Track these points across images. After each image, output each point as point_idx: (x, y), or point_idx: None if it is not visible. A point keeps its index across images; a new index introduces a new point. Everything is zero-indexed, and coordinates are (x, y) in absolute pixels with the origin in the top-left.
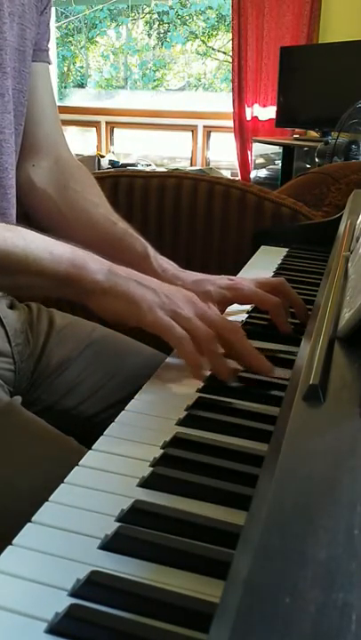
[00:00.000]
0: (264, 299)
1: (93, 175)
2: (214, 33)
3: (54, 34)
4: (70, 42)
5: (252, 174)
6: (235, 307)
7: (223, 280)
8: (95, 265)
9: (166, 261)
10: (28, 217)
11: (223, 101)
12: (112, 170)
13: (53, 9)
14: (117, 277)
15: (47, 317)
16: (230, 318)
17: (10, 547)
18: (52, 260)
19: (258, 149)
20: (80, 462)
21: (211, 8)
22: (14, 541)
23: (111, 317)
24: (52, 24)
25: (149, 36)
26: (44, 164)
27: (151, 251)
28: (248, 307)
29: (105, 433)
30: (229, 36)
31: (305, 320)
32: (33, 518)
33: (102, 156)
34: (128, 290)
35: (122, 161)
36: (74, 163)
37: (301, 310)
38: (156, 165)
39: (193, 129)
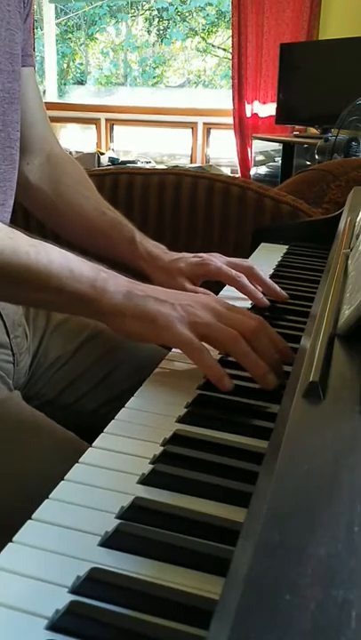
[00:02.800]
0: (226, 273)
1: (93, 172)
2: (214, 30)
3: (54, 30)
4: (70, 39)
5: (252, 171)
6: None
7: (195, 258)
8: (114, 287)
9: (152, 244)
10: (25, 210)
11: (223, 98)
12: (112, 167)
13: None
14: (136, 299)
15: (45, 313)
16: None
17: (10, 544)
18: (72, 278)
19: (258, 146)
20: (80, 459)
21: (210, 5)
22: (15, 538)
23: (132, 337)
24: (52, 21)
25: (149, 32)
26: (37, 161)
27: (137, 235)
28: (248, 304)
29: (105, 430)
30: (229, 32)
31: (280, 298)
32: (33, 516)
33: (102, 154)
34: (146, 309)
35: (122, 158)
36: (65, 157)
37: (272, 292)
38: (156, 162)
39: (193, 126)
